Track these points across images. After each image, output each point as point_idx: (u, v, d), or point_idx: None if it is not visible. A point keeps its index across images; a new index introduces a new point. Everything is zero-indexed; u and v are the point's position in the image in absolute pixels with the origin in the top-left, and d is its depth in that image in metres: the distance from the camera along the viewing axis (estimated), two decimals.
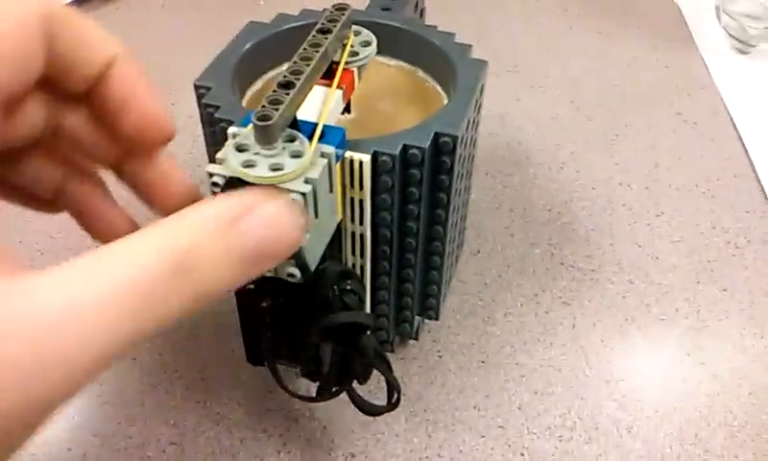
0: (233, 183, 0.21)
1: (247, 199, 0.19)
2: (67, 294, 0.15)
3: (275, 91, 0.22)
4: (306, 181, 0.21)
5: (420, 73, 0.34)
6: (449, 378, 0.36)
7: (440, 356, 0.37)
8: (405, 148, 0.26)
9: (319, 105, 0.25)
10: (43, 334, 0.15)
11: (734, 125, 0.52)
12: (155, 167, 0.23)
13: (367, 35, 0.28)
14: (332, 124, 0.25)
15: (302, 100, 0.23)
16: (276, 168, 0.21)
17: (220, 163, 0.22)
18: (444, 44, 0.32)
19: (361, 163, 0.26)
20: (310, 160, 0.21)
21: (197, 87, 0.29)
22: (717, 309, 0.39)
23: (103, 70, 0.20)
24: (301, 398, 0.30)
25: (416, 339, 0.36)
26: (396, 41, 0.33)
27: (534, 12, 0.65)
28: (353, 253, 0.29)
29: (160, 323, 0.17)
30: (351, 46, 0.27)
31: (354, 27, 0.28)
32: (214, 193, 0.22)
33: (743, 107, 0.53)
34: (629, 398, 0.35)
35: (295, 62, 0.24)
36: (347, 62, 0.27)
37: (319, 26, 0.26)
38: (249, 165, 0.21)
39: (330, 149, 0.23)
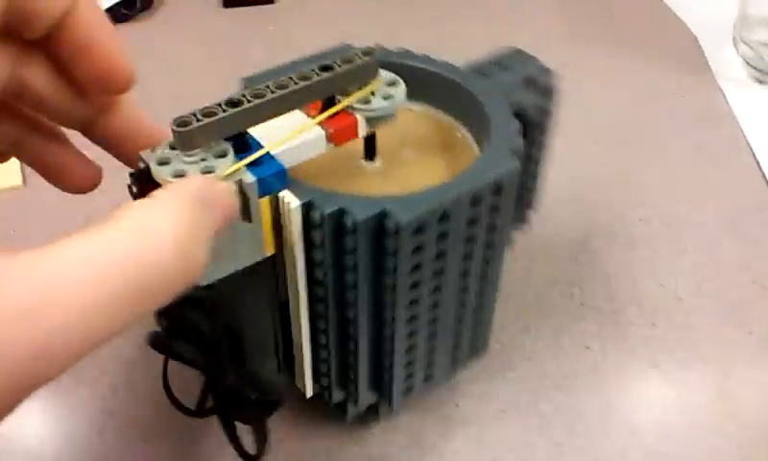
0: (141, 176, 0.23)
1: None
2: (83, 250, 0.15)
3: (218, 105, 0.23)
4: None
5: (451, 120, 0.32)
6: (468, 430, 0.34)
7: (456, 406, 0.35)
8: (342, 211, 0.24)
9: (285, 134, 0.24)
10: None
11: (755, 157, 0.50)
12: (122, 117, 0.24)
13: (393, 90, 0.27)
14: (303, 158, 0.25)
15: (255, 123, 0.23)
16: (178, 174, 0.22)
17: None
18: (480, 92, 0.30)
19: (291, 207, 0.24)
20: (220, 178, 0.22)
21: None
22: (744, 353, 0.37)
23: (62, 15, 0.20)
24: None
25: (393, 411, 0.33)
26: (427, 85, 0.31)
27: (544, 38, 0.64)
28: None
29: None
30: (372, 94, 0.26)
31: (389, 75, 0.27)
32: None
33: (763, 138, 0.51)
34: (656, 449, 0.33)
35: (265, 86, 0.23)
36: (351, 107, 0.26)
37: (325, 62, 0.25)
38: (163, 162, 0.22)
39: (250, 178, 0.23)
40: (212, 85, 0.23)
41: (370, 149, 0.28)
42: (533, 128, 0.32)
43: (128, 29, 0.64)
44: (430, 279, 0.26)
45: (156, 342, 0.22)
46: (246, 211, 0.23)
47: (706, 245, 0.44)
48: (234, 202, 0.21)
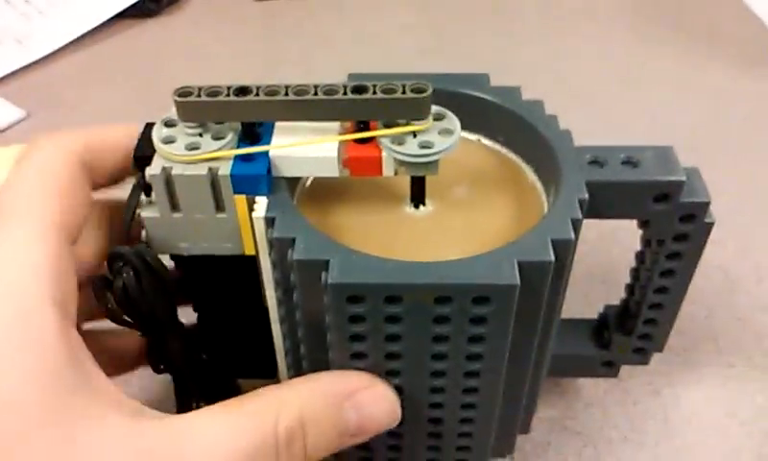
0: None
1: (352, 380, 0.23)
2: (207, 447, 0.20)
3: (228, 88, 0.22)
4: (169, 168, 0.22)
5: (509, 153, 0.27)
6: None
7: (511, 458, 0.31)
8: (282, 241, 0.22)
9: (293, 140, 0.23)
10: None
11: None
12: None
13: (437, 138, 0.23)
14: (310, 173, 0.25)
15: (262, 118, 0.23)
16: (192, 147, 0.22)
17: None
18: (545, 129, 0.25)
19: (254, 216, 0.23)
20: (210, 156, 0.22)
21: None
22: None
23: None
24: None
25: None
26: (483, 115, 0.27)
27: (606, 36, 0.58)
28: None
29: None
30: (413, 136, 0.23)
31: (445, 121, 0.24)
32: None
33: None
34: None
35: (285, 87, 0.22)
36: (382, 141, 0.23)
37: (360, 83, 0.22)
38: (169, 141, 0.23)
39: (226, 171, 0.22)
40: (244, 82, 0.23)
41: (415, 193, 0.25)
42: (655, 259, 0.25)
43: (154, 24, 0.62)
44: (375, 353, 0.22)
45: (98, 287, 0.24)
46: (218, 200, 0.23)
47: None
48: (397, 412, 0.24)
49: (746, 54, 0.56)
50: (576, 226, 0.22)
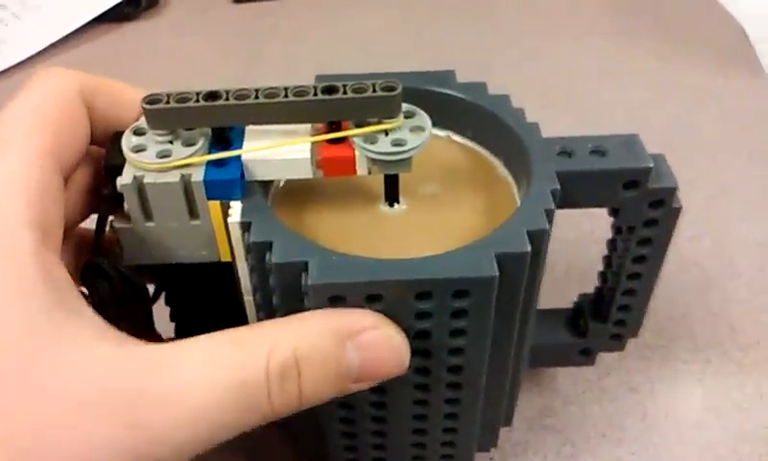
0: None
1: (356, 319, 0.21)
2: (188, 381, 0.19)
3: (197, 93, 0.22)
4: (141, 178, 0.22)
5: (478, 148, 0.28)
6: None
7: (490, 459, 0.31)
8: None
9: (265, 143, 0.23)
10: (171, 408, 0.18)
11: None
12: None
13: (409, 136, 0.23)
14: (283, 176, 0.24)
15: (233, 122, 0.23)
16: (163, 155, 0.22)
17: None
18: (513, 122, 0.26)
19: (230, 221, 0.23)
20: (182, 163, 0.22)
21: None
22: None
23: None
24: None
25: None
26: (452, 111, 0.27)
27: (585, 33, 0.59)
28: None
29: (263, 419, 0.19)
30: (385, 134, 0.23)
31: (416, 118, 0.24)
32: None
33: None
34: None
35: (255, 91, 0.22)
36: (354, 140, 0.23)
37: (332, 84, 0.22)
38: (139, 149, 0.22)
39: (198, 177, 0.22)
40: (224, 85, 0.22)
41: (389, 193, 0.25)
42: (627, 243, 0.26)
43: (132, 28, 0.62)
44: None
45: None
46: (191, 207, 0.23)
47: (763, 268, 0.39)
48: (405, 356, 0.22)
49: (722, 54, 0.57)
50: (549, 216, 0.23)
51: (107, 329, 0.19)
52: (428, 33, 0.61)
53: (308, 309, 0.21)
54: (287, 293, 0.22)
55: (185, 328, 0.27)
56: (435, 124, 0.25)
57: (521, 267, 0.22)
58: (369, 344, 0.20)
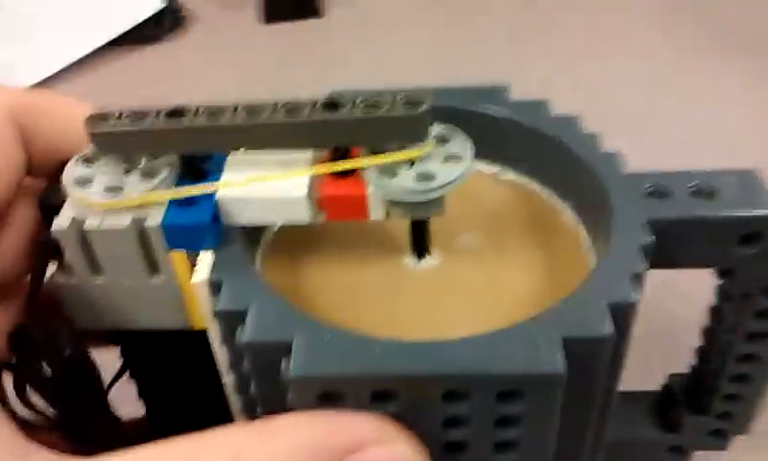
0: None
1: (354, 430, 0.14)
2: None
3: (156, 111, 0.17)
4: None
5: (537, 187, 0.21)
6: None
7: None
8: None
9: (248, 175, 0.17)
10: None
11: None
12: None
13: (442, 168, 0.17)
14: (272, 220, 0.18)
15: (205, 148, 0.17)
16: (113, 189, 0.17)
17: None
18: (585, 152, 0.19)
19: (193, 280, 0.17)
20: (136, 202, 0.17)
21: None
22: None
23: None
24: None
25: None
26: (501, 138, 0.21)
27: (641, 52, 0.51)
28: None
29: None
30: (411, 164, 0.17)
31: (451, 144, 0.18)
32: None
33: None
34: None
35: (233, 108, 0.17)
36: (366, 175, 0.17)
37: (333, 98, 0.16)
38: (84, 182, 0.17)
39: (155, 220, 0.16)
40: None
41: (416, 243, 0.19)
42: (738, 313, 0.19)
43: (155, 51, 0.56)
44: None
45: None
46: (150, 260, 0.17)
47: None
48: None
49: None
50: (639, 281, 0.16)
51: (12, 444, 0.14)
52: (469, 50, 0.54)
53: (292, 408, 0.15)
54: (265, 382, 0.16)
55: (156, 411, 0.21)
56: (479, 156, 0.18)
57: (599, 357, 0.15)
58: None
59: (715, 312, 0.21)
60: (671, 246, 0.18)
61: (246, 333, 0.15)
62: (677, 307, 0.31)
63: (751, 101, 0.46)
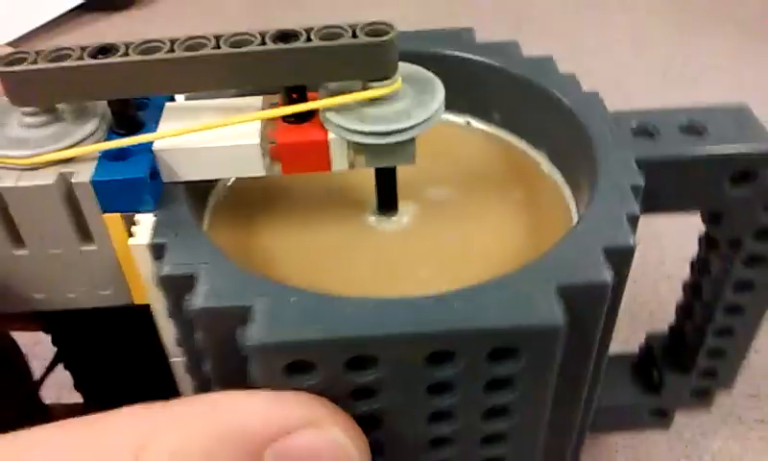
0: None
1: (282, 413, 0.12)
2: None
3: (81, 49, 0.14)
4: None
5: (512, 138, 0.19)
6: None
7: None
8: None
9: (190, 123, 0.15)
10: None
11: None
12: None
13: (414, 105, 0.15)
14: (220, 174, 0.15)
15: (136, 91, 0.14)
16: (33, 144, 0.14)
17: None
18: (563, 93, 0.17)
19: (132, 243, 0.14)
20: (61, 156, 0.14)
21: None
22: None
23: None
24: None
25: None
26: (471, 84, 0.19)
27: (645, 28, 0.48)
28: None
29: None
30: (372, 102, 0.15)
31: (418, 75, 0.16)
32: None
33: None
34: None
35: (170, 43, 0.14)
36: (328, 117, 0.15)
37: (287, 29, 0.14)
38: None
39: (85, 176, 0.14)
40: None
41: (383, 197, 0.17)
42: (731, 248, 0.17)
43: (123, 19, 0.54)
44: None
45: None
46: (79, 224, 0.15)
47: None
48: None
49: None
50: (633, 225, 0.15)
51: None
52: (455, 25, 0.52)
53: (254, 385, 0.13)
54: (222, 358, 0.14)
55: (96, 402, 0.19)
56: (448, 105, 0.16)
57: (599, 306, 0.13)
58: (298, 454, 0.12)
59: (700, 263, 0.20)
60: (659, 188, 0.16)
61: (197, 299, 0.13)
62: (654, 264, 0.30)
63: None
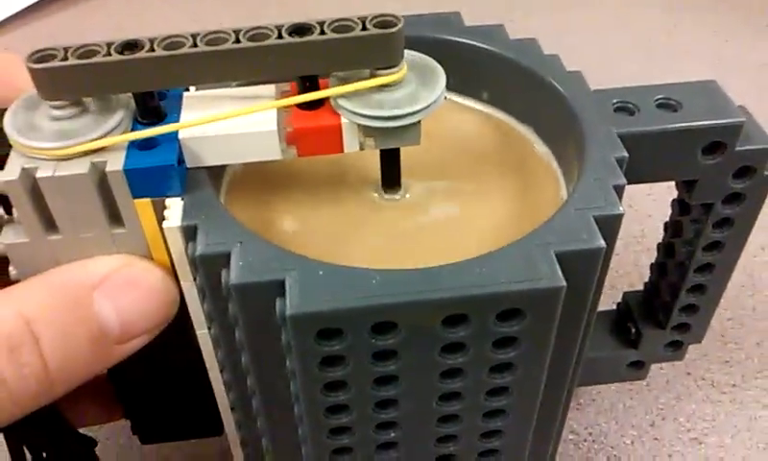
0: None
1: (99, 263, 0.16)
2: None
3: (108, 45, 0.15)
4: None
5: (501, 116, 0.21)
6: None
7: None
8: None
9: (211, 112, 0.16)
10: None
11: None
12: None
13: (419, 90, 0.16)
14: (240, 158, 0.17)
15: (163, 84, 0.15)
16: (65, 136, 0.15)
17: None
18: (547, 72, 0.19)
19: (165, 226, 0.16)
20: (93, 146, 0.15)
21: None
22: None
23: None
24: None
25: None
26: (460, 66, 0.20)
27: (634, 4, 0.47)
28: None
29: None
30: (382, 88, 0.16)
31: (423, 63, 0.17)
32: None
33: None
34: None
35: (192, 37, 0.15)
36: (340, 104, 0.16)
37: (301, 23, 0.15)
38: (30, 130, 0.15)
39: (117, 164, 0.15)
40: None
41: (388, 175, 0.18)
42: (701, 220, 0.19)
43: (99, 3, 0.53)
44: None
45: None
46: (111, 209, 0.16)
47: None
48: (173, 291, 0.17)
49: None
50: (620, 194, 0.16)
51: None
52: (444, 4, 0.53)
53: (287, 352, 0.14)
54: (255, 327, 0.15)
55: (121, 376, 0.20)
56: None
57: (593, 270, 0.15)
58: (123, 285, 0.16)
59: (673, 225, 0.22)
60: (638, 160, 0.18)
61: (233, 275, 0.14)
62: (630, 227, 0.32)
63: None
